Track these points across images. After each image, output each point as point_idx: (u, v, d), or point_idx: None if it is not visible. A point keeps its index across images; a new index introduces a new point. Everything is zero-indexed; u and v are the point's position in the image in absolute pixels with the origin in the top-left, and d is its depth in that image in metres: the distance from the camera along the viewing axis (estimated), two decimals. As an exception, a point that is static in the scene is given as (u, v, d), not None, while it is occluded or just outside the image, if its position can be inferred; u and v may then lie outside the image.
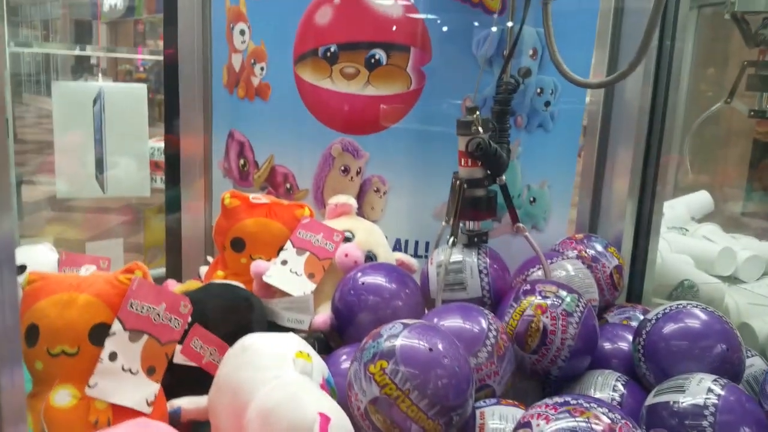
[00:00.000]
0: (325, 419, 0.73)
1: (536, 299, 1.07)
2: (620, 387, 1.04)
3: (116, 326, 0.83)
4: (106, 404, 0.81)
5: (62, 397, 0.79)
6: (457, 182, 1.21)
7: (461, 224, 1.22)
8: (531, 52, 1.37)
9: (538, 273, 1.27)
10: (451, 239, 1.18)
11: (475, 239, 1.22)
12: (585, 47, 1.48)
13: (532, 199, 1.47)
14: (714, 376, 0.94)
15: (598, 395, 1.02)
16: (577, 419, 0.72)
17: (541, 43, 1.37)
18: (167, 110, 1.84)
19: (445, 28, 1.34)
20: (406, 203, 1.41)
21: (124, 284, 0.86)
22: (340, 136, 1.40)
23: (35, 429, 0.78)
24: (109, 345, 0.82)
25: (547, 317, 1.04)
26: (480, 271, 1.18)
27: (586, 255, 1.38)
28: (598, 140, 1.53)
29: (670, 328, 1.07)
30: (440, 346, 0.83)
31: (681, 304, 1.11)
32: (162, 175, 2.74)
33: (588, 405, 0.74)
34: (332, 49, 1.36)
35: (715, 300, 1.79)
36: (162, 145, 2.71)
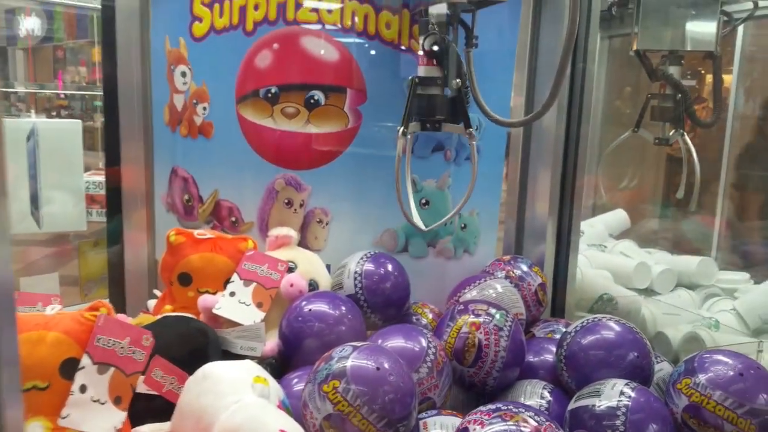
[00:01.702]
0: (286, 436, 0.80)
1: (470, 317, 1.18)
2: (547, 394, 1.16)
3: (85, 360, 0.88)
4: (78, 433, 0.85)
5: (34, 429, 0.84)
6: (412, 80, 1.25)
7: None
8: (457, 91, 1.50)
9: (468, 294, 1.39)
10: (401, 129, 1.23)
11: (428, 125, 1.27)
12: (505, 74, 1.63)
13: (463, 225, 1.59)
14: (626, 381, 1.07)
15: (527, 402, 1.14)
16: (507, 423, 0.82)
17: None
18: (107, 142, 1.86)
19: (378, 72, 1.45)
20: (348, 233, 1.50)
21: (90, 321, 0.91)
22: (283, 171, 1.48)
23: None
24: (80, 378, 0.87)
25: (481, 333, 1.16)
26: (355, 273, 1.33)
27: (513, 275, 1.51)
28: (519, 166, 1.67)
29: (587, 339, 1.20)
30: (386, 365, 0.93)
31: (597, 318, 1.24)
32: (98, 209, 2.74)
33: (517, 410, 0.85)
34: (273, 90, 1.44)
35: (632, 311, 1.95)
36: (96, 178, 2.71)
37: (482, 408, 0.88)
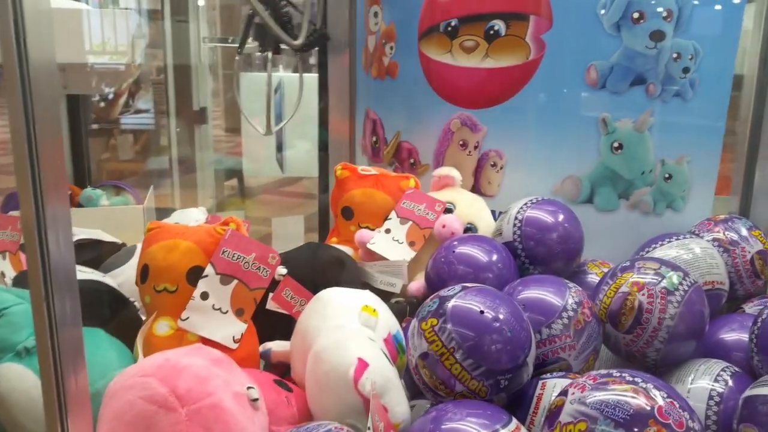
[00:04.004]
0: (362, 364, 0.77)
1: (633, 276, 0.99)
2: (726, 377, 0.92)
3: (209, 269, 0.95)
4: (197, 337, 0.93)
5: (162, 327, 0.93)
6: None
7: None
8: (665, 13, 1.25)
9: (655, 253, 1.17)
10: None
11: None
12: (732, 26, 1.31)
13: (667, 175, 1.34)
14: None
15: (696, 383, 0.93)
16: (613, 391, 0.67)
17: (678, 4, 1.24)
18: (320, 94, 1.98)
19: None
20: (524, 178, 1.38)
21: (220, 234, 0.98)
22: (460, 110, 1.41)
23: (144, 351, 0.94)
24: (202, 285, 0.95)
25: (643, 295, 0.96)
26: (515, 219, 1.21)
27: (723, 238, 1.23)
28: (752, 112, 1.34)
29: (795, 319, 0.92)
30: (494, 311, 0.83)
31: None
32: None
33: (632, 379, 0.69)
34: (453, 24, 1.37)
35: None
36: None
37: (593, 372, 0.73)
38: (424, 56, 1.45)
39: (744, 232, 1.23)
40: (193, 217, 1.37)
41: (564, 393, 0.72)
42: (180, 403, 0.68)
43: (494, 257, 1.14)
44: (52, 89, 0.49)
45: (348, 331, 0.85)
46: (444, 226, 1.22)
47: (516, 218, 1.21)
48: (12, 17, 0.44)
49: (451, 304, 0.84)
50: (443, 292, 0.88)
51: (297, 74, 3.02)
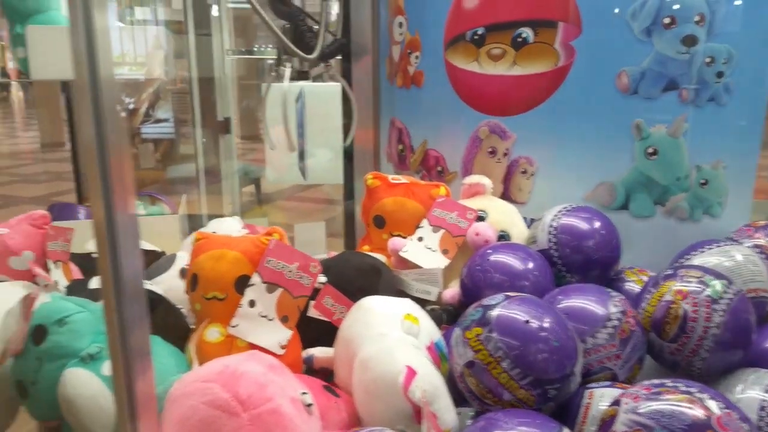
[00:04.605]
0: (411, 372, 0.77)
1: (677, 284, 0.98)
2: (777, 388, 0.91)
3: (255, 278, 0.96)
4: (246, 343, 0.94)
5: (212, 334, 0.95)
6: None
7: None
8: (697, 18, 1.24)
9: (695, 260, 1.16)
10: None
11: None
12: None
13: (703, 181, 1.33)
14: None
15: (746, 393, 0.91)
16: (667, 401, 0.66)
17: (710, 8, 1.24)
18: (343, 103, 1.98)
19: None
20: (555, 185, 1.37)
21: (264, 244, 0.99)
22: (487, 118, 1.41)
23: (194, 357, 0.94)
24: (249, 293, 0.96)
25: (688, 303, 0.95)
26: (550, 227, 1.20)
27: (765, 243, 1.21)
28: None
29: None
30: (539, 320, 0.82)
31: None
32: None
33: (686, 389, 0.68)
34: (479, 32, 1.37)
35: None
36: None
37: (646, 382, 0.72)
38: (451, 65, 1.45)
39: (784, 237, 1.21)
40: (233, 227, 1.39)
41: (616, 403, 0.71)
42: (242, 408, 0.69)
43: (530, 265, 1.13)
44: (116, 102, 0.50)
45: (392, 339, 0.85)
46: (477, 234, 1.21)
47: (551, 226, 1.20)
48: (84, 35, 0.45)
49: (495, 313, 0.83)
50: (486, 301, 0.87)
51: (317, 83, 3.04)
